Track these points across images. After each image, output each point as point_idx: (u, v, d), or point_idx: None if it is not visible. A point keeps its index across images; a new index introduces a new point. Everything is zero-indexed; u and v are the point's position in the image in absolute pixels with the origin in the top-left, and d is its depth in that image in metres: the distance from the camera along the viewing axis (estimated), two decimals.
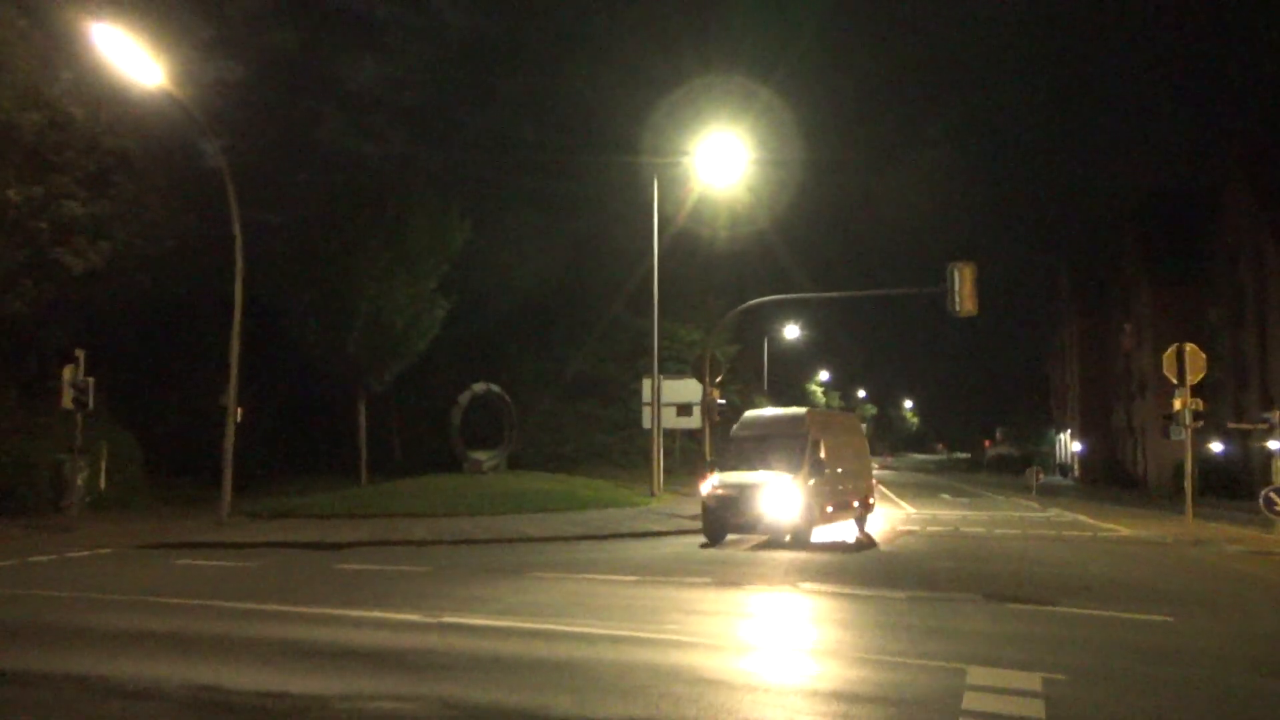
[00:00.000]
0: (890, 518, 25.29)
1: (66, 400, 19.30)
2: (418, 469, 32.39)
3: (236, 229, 20.52)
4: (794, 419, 19.29)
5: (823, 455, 18.10)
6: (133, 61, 18.13)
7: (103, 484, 23.54)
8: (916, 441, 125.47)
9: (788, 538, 17.07)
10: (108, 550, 15.90)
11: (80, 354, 19.33)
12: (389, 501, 23.54)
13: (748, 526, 17.38)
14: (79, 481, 20.67)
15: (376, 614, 9.76)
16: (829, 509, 18.19)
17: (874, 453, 55.51)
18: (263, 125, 34.23)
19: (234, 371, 20.60)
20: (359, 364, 31.87)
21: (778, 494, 17.06)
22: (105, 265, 23.37)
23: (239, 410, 20.73)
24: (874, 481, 22.04)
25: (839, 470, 18.99)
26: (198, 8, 25.97)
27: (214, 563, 14.59)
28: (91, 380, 19.38)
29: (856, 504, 19.98)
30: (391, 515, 21.75)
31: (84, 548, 16.04)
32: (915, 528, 22.44)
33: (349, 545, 16.75)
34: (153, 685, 6.81)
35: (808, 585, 12.25)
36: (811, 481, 17.49)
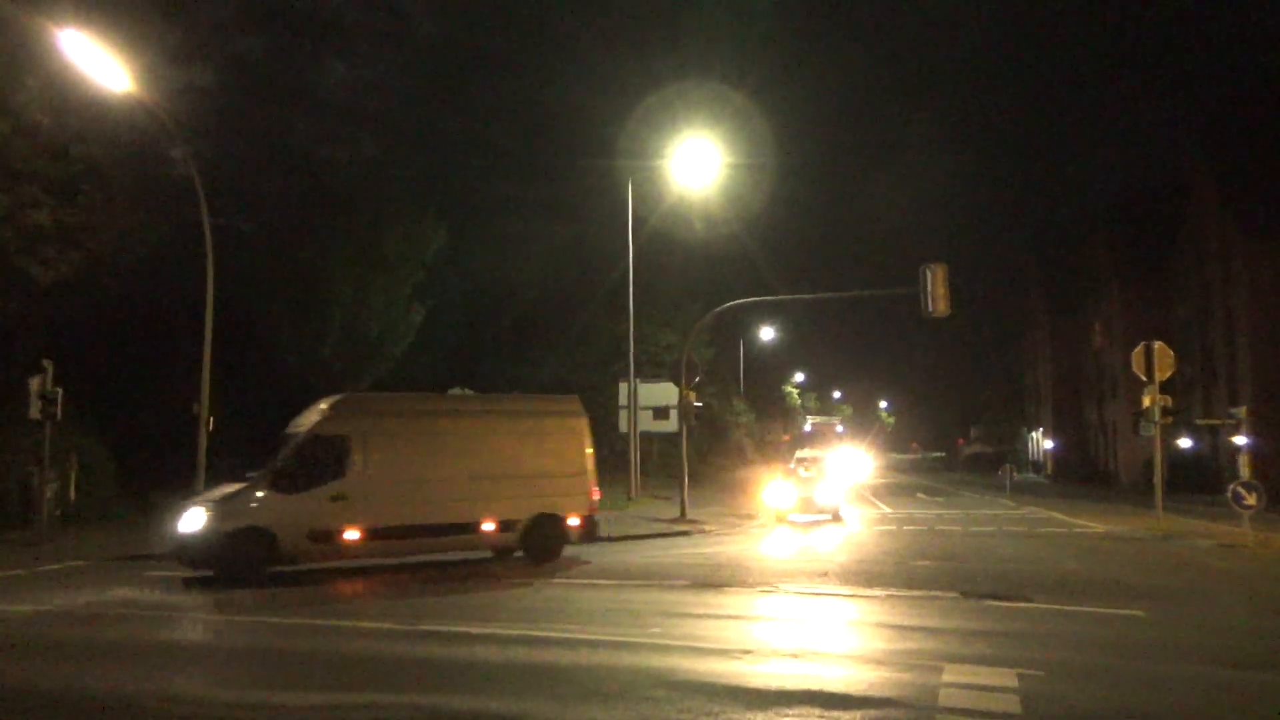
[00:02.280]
0: (866, 518, 25.46)
1: (34, 412, 18.97)
2: None
3: (207, 236, 20.33)
4: (314, 411, 14.45)
5: (354, 462, 13.58)
6: (101, 68, 17.91)
7: (73, 496, 23.19)
8: (895, 441, 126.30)
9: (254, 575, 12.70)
10: (80, 563, 15.67)
11: (48, 364, 19.03)
12: None
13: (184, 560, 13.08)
14: (48, 494, 20.33)
15: (354, 623, 9.71)
16: (351, 534, 13.44)
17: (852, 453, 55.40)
18: (233, 132, 33.89)
19: (205, 380, 20.40)
20: (334, 371, 31.62)
21: (193, 521, 12.84)
22: (74, 275, 23.03)
23: (210, 420, 20.52)
24: (587, 490, 15.61)
25: (425, 480, 14.14)
26: (165, 13, 25.71)
27: (189, 573, 14.41)
28: (60, 391, 19.08)
29: (491, 525, 14.53)
30: None
31: (56, 561, 15.79)
32: (891, 527, 22.60)
33: None
34: (129, 698, 6.75)
35: (787, 586, 12.32)
36: (282, 500, 13.08)
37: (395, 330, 32.63)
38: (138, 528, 21.98)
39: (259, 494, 13.14)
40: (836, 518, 23.68)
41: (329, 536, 13.36)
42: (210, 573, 12.79)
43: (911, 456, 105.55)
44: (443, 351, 38.56)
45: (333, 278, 30.87)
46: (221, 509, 12.91)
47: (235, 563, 12.62)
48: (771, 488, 25.27)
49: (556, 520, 15.17)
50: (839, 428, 59.94)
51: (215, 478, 18.05)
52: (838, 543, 18.55)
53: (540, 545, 15.01)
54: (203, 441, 20.20)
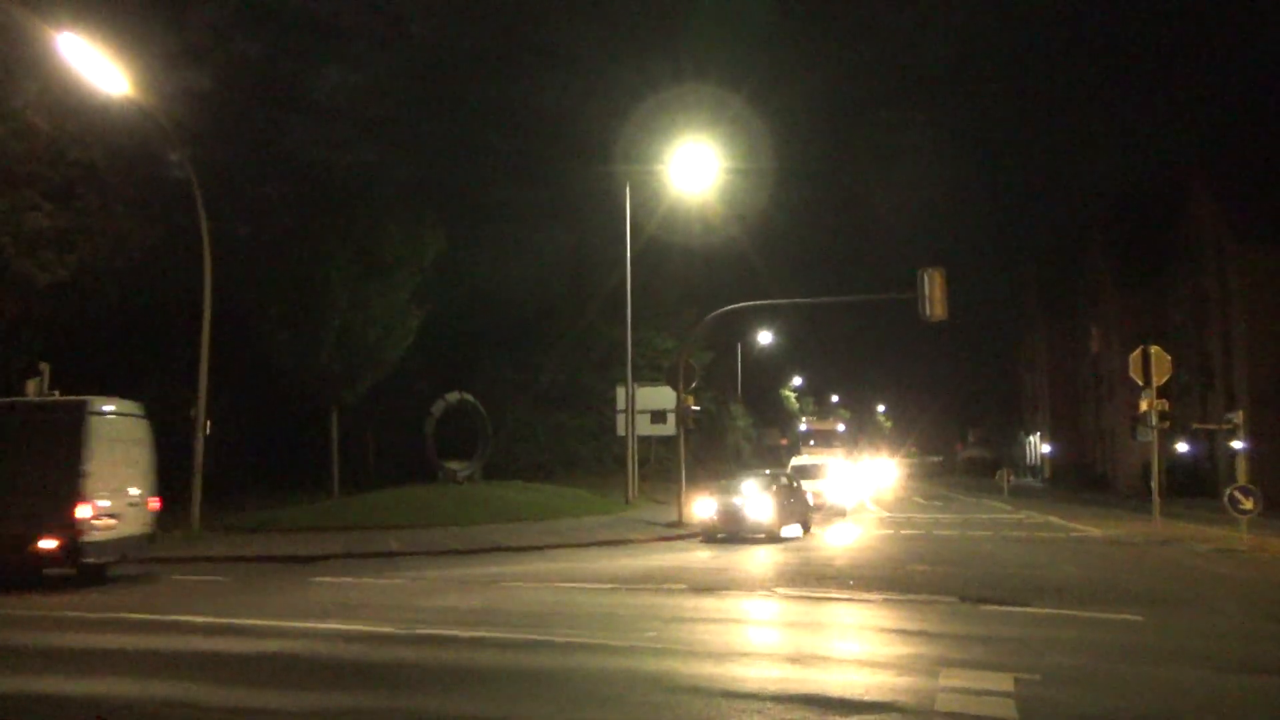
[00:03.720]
0: (865, 521, 25.47)
1: None
2: (392, 480, 32.18)
3: (205, 240, 20.34)
4: None
5: None
6: (98, 72, 17.94)
7: None
8: (893, 446, 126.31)
9: None
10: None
11: (45, 368, 19.02)
12: (363, 513, 23.36)
13: None
14: None
15: (350, 627, 9.69)
16: None
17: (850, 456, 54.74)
18: (230, 135, 33.88)
19: (203, 384, 20.40)
20: (332, 375, 31.60)
21: None
22: (72, 278, 23.05)
23: (208, 423, 20.52)
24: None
25: None
26: (161, 17, 25.68)
27: (185, 577, 14.40)
28: (57, 394, 19.07)
29: None
30: (365, 527, 21.59)
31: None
32: (889, 531, 22.60)
33: (322, 558, 16.60)
34: (125, 704, 6.72)
35: (784, 590, 12.30)
36: None
37: (393, 334, 32.60)
38: None
39: None
40: (773, 537, 19.80)
41: None
42: None
43: (912, 460, 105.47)
44: (441, 356, 38.56)
45: (330, 282, 30.85)
46: None
47: None
48: (699, 502, 21.06)
49: (18, 542, 12.81)
50: (840, 427, 56.23)
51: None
52: (763, 559, 17.14)
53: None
54: (199, 446, 20.18)
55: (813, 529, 22.41)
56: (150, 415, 15.49)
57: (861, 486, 41.83)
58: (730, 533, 19.90)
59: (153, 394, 31.51)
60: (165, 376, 29.53)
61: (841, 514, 26.82)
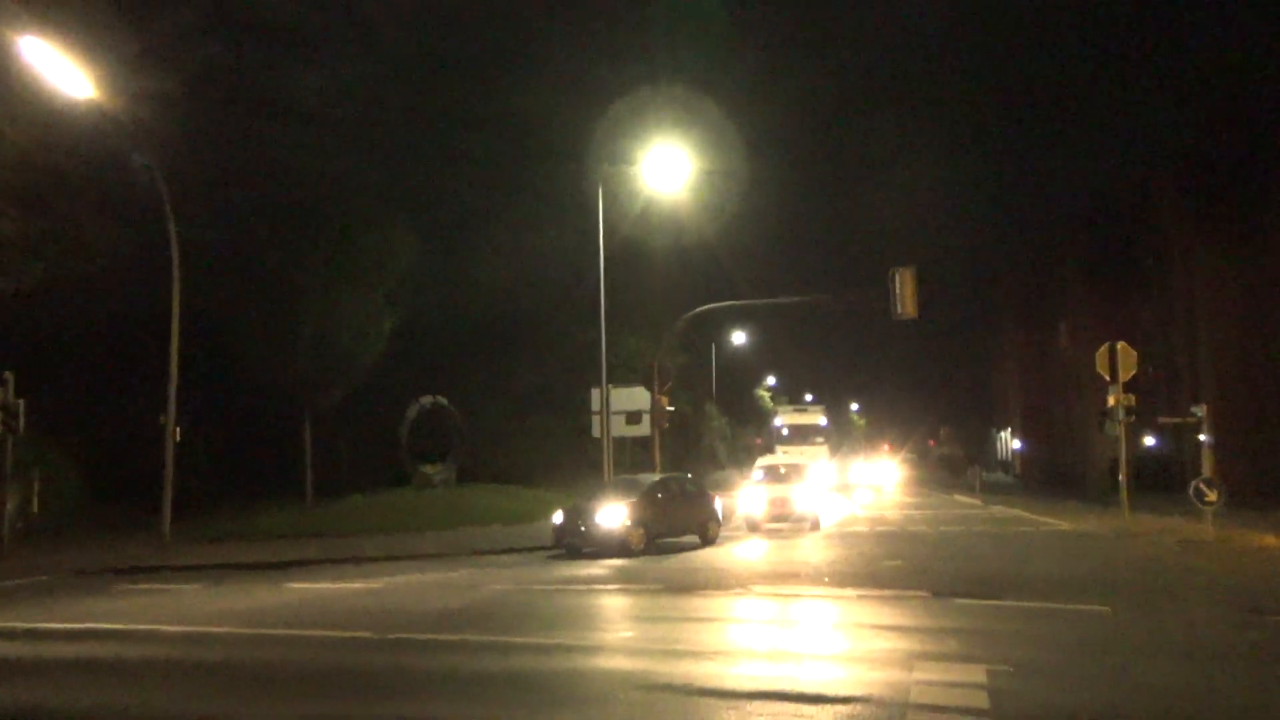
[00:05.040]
0: (838, 518, 25.58)
1: None
2: (366, 486, 31.99)
3: (173, 246, 20.14)
4: None
5: None
6: (64, 76, 17.73)
7: (35, 509, 22.83)
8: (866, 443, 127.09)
9: None
10: (45, 577, 15.45)
11: (10, 376, 18.77)
12: (337, 519, 23.23)
13: None
14: (10, 508, 20.01)
15: (326, 633, 9.64)
16: None
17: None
18: (198, 140, 33.52)
19: (172, 391, 20.20)
20: (306, 381, 31.36)
21: None
22: (39, 285, 22.73)
23: (178, 430, 20.32)
24: None
25: None
26: (125, 21, 25.32)
27: (157, 586, 14.26)
28: (22, 403, 18.81)
29: None
30: (339, 533, 21.47)
31: (19, 576, 15.55)
32: (863, 528, 22.78)
33: (297, 564, 16.50)
34: (100, 716, 6.66)
35: (760, 588, 12.38)
36: None
37: (366, 339, 32.40)
38: (102, 541, 21.68)
39: None
40: (627, 550, 17.03)
41: None
42: None
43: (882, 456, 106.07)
44: (414, 361, 38.34)
45: (302, 287, 30.63)
46: None
47: None
48: (556, 513, 18.32)
49: None
50: (822, 421, 51.62)
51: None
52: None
53: None
54: (169, 454, 19.98)
55: (720, 541, 19.60)
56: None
57: (852, 492, 40.70)
58: (581, 544, 17.42)
59: (121, 403, 31.23)
60: (135, 384, 29.16)
61: (815, 526, 22.43)
